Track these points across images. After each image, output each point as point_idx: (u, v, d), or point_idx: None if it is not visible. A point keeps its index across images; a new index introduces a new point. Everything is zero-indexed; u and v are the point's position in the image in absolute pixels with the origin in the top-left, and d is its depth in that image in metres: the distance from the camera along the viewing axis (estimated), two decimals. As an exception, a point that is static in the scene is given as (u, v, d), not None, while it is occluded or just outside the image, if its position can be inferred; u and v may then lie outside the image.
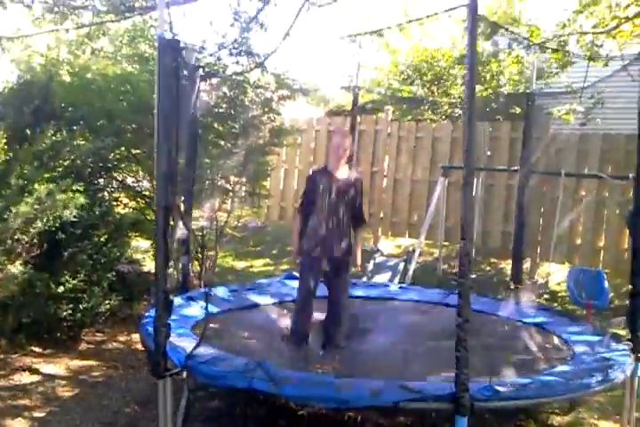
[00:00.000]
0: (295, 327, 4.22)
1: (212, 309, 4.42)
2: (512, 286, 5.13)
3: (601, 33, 7.03)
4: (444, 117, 9.17)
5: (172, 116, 2.84)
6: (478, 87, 8.47)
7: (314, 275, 4.21)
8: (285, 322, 4.47)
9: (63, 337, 4.69)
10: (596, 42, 7.12)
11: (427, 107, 9.20)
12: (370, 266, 6.49)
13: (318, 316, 4.28)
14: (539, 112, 7.48)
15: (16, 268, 4.02)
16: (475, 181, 4.60)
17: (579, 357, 3.72)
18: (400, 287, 5.67)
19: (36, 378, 4.11)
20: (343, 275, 4.29)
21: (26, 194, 4.06)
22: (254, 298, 4.97)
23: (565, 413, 3.73)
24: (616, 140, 7.15)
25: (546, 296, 6.36)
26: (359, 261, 4.44)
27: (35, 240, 4.18)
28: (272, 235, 8.95)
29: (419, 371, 3.54)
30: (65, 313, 4.52)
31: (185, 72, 4.90)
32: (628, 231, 5.00)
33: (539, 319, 4.59)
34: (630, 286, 3.65)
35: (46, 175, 4.21)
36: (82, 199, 4.31)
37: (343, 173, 4.28)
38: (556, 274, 6.66)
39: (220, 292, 4.88)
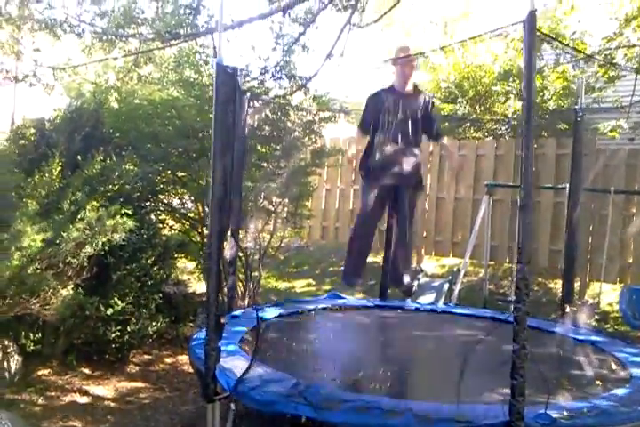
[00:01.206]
0: (348, 261, 4.01)
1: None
2: (567, 308, 4.97)
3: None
4: (486, 134, 9.07)
5: (228, 142, 2.87)
6: (520, 104, 8.36)
7: (378, 197, 3.99)
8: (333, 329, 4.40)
9: (112, 359, 4.76)
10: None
11: (469, 124, 9.11)
12: (414, 287, 6.40)
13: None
14: (585, 127, 7.34)
15: (68, 291, 4.12)
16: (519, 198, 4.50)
17: (637, 381, 3.57)
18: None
19: (85, 399, 4.17)
20: (412, 199, 4.08)
21: (77, 219, 4.17)
22: (301, 309, 4.94)
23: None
24: (667, 155, 6.95)
25: (597, 317, 6.16)
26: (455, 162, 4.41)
27: (85, 264, 4.27)
28: (314, 255, 8.95)
29: (470, 391, 3.43)
30: (113, 335, 4.59)
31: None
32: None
33: (592, 339, 4.45)
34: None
35: (96, 202, 4.31)
36: (130, 224, 4.40)
37: (410, 91, 4.16)
38: (607, 294, 6.45)
39: (266, 309, 4.87)
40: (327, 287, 7.72)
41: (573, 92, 8.13)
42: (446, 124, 9.28)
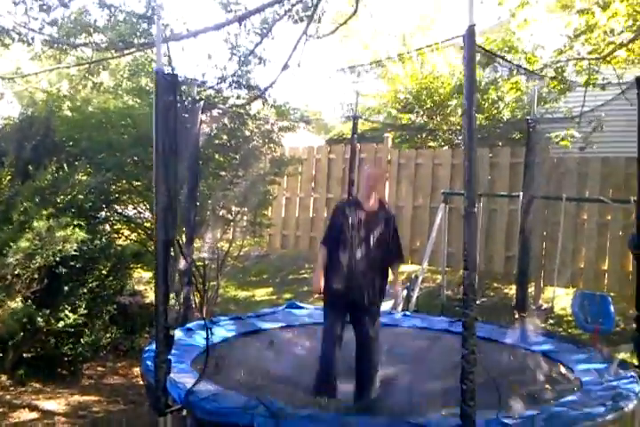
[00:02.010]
0: (320, 379, 3.82)
1: (215, 338, 4.41)
2: (516, 315, 5.06)
3: (597, 59, 7.12)
4: (443, 144, 9.22)
5: (170, 150, 2.84)
6: (478, 115, 8.53)
7: (340, 318, 3.86)
8: (291, 348, 4.37)
9: (64, 372, 4.64)
10: (592, 67, 7.20)
11: (426, 134, 9.26)
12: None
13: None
14: (539, 137, 7.52)
15: (16, 304, 4.01)
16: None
17: (587, 385, 3.65)
18: (404, 315, 5.65)
19: (35, 415, 4.04)
20: (374, 316, 3.92)
21: (26, 229, 4.07)
22: (257, 325, 4.92)
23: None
24: (616, 163, 7.18)
25: (551, 321, 6.28)
26: (399, 300, 4.14)
27: (35, 275, 4.17)
28: (274, 263, 8.92)
29: (424, 403, 3.47)
30: (66, 348, 4.48)
31: (186, 104, 4.98)
32: (630, 254, 4.99)
33: (545, 347, 4.53)
34: (637, 311, 3.62)
35: (47, 211, 4.21)
36: (82, 234, 4.31)
37: (374, 206, 3.99)
38: (560, 298, 6.59)
39: (222, 322, 4.83)
40: (287, 296, 7.69)
41: (527, 104, 8.34)
42: (404, 133, 9.42)
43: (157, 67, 2.84)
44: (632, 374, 3.57)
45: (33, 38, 4.95)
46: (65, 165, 4.86)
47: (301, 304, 5.74)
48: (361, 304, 3.88)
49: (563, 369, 4.08)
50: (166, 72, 2.80)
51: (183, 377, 3.25)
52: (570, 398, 3.41)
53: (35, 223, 4.04)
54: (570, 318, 6.25)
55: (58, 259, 4.29)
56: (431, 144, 9.30)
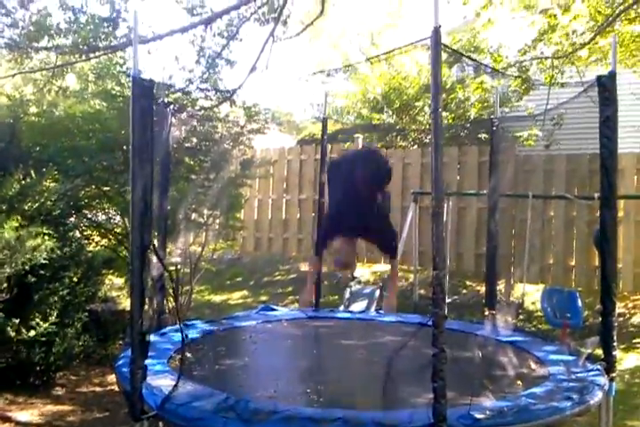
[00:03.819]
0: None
1: (190, 335, 4.43)
2: (486, 312, 5.15)
3: (559, 58, 7.28)
4: (412, 144, 9.33)
5: (147, 156, 2.82)
6: (445, 114, 8.66)
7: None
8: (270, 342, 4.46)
9: (36, 382, 4.57)
10: (555, 67, 7.37)
11: (395, 134, 9.36)
12: (346, 294, 6.49)
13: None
14: (504, 136, 7.66)
15: (-15, 315, 3.95)
16: (445, 205, 4.69)
17: (554, 378, 3.73)
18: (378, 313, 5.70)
19: (8, 426, 3.99)
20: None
21: (-6, 239, 4.01)
22: (233, 324, 4.92)
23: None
24: (579, 160, 7.35)
25: (521, 317, 6.40)
26: (394, 302, 4.25)
27: (4, 285, 4.11)
28: (248, 267, 8.91)
29: (398, 397, 3.50)
30: (37, 357, 4.41)
31: (155, 108, 4.93)
32: (596, 250, 5.11)
33: (513, 339, 4.60)
34: (601, 306, 3.70)
35: (15, 220, 4.15)
36: (51, 243, 4.26)
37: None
38: (530, 295, 6.72)
39: (197, 324, 4.82)
40: (263, 298, 7.70)
41: (492, 103, 8.49)
42: (373, 133, 9.50)
43: (134, 72, 2.81)
44: (598, 367, 3.66)
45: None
46: (32, 171, 4.80)
47: (276, 307, 5.76)
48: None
49: (531, 362, 4.15)
50: (142, 77, 2.77)
51: (160, 379, 3.22)
52: (539, 390, 3.48)
53: (5, 234, 3.98)
54: (539, 314, 6.38)
55: (27, 268, 4.24)
56: (401, 144, 9.40)
